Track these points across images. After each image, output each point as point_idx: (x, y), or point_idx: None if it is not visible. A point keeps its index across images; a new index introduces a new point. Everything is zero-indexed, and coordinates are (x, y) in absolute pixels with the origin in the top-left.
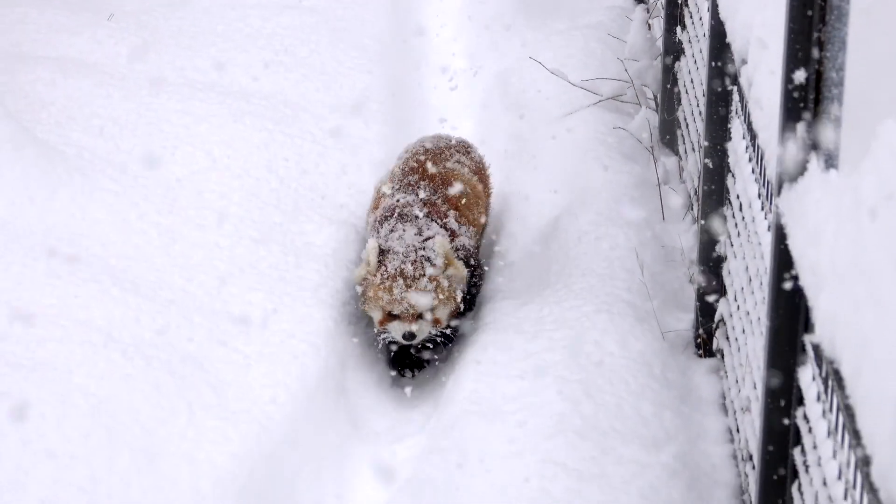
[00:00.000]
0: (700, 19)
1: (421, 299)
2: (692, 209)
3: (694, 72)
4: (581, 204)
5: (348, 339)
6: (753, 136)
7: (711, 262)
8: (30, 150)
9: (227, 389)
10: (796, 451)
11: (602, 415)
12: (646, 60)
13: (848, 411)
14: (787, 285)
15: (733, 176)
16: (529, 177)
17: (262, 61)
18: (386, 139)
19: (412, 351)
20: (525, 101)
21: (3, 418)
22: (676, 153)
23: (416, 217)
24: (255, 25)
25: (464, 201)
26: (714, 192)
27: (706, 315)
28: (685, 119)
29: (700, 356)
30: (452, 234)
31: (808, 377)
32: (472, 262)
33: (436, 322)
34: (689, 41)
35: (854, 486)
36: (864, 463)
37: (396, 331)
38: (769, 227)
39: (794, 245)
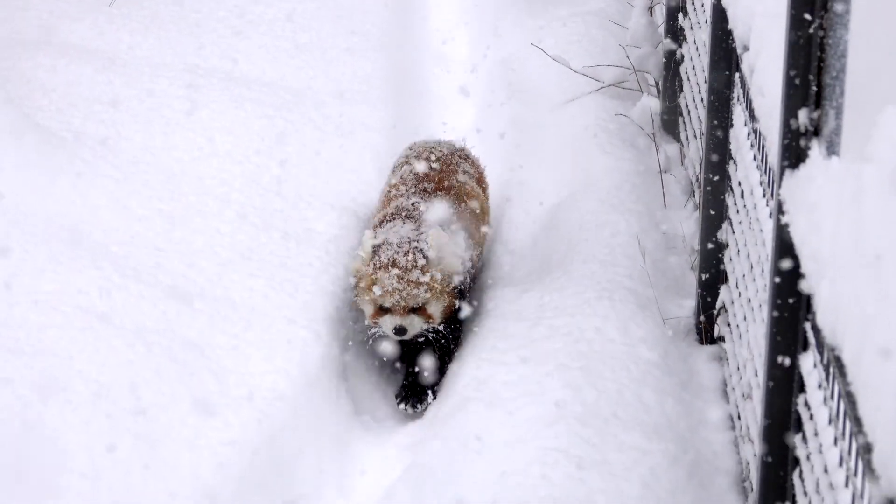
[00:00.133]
0: (702, 5)
1: (413, 291)
2: (694, 196)
3: (696, 58)
4: (582, 191)
5: (349, 326)
6: (755, 123)
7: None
8: (31, 137)
9: (228, 376)
10: (797, 439)
11: (603, 402)
12: (647, 47)
13: (849, 398)
14: (788, 272)
15: (735, 163)
16: (531, 163)
17: (263, 47)
18: (387, 125)
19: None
20: (527, 87)
21: (4, 404)
22: (678, 140)
23: (422, 219)
24: (256, 11)
25: (473, 217)
26: (715, 178)
27: (707, 302)
28: (687, 106)
29: (701, 343)
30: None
31: (809, 364)
32: (468, 281)
33: (428, 318)
34: (691, 28)
35: (855, 474)
36: (866, 450)
37: (387, 324)
38: (770, 213)
39: (796, 232)
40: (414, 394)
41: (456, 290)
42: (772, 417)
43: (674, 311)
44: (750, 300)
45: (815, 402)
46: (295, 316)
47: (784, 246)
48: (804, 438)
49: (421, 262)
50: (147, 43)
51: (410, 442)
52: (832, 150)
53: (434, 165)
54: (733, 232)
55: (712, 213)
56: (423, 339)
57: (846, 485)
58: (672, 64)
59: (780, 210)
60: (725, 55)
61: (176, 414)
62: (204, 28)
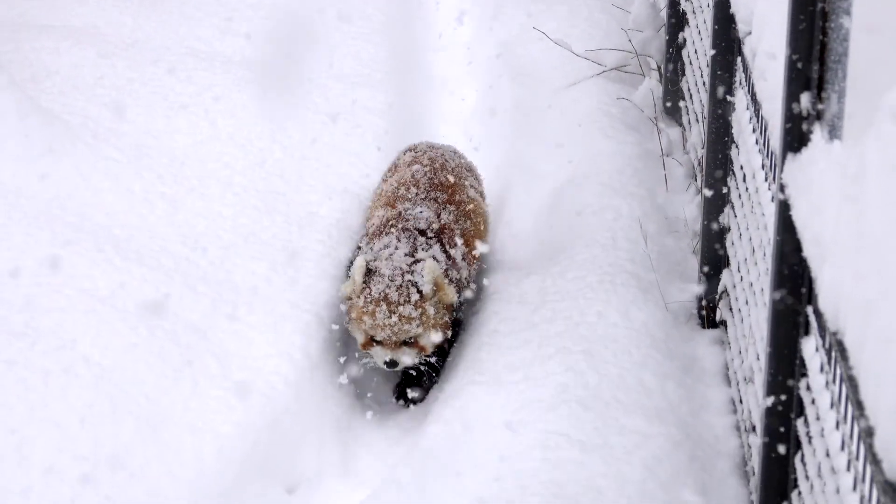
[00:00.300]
0: None
1: (405, 326)
2: (695, 180)
3: (698, 42)
4: (584, 174)
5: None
6: (757, 107)
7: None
8: (34, 120)
9: (230, 359)
10: (799, 422)
11: (605, 385)
12: (650, 31)
13: (851, 382)
14: (790, 256)
15: (737, 146)
16: (533, 147)
17: (265, 31)
18: (390, 109)
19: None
20: (529, 71)
21: (7, 387)
22: (680, 124)
23: (419, 235)
24: None
25: (476, 239)
26: (717, 162)
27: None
28: (689, 89)
29: (703, 327)
30: (453, 263)
31: (811, 348)
32: (461, 295)
33: (420, 350)
34: (693, 11)
35: (857, 458)
36: (867, 434)
37: (378, 357)
38: (773, 197)
39: (798, 216)
40: (409, 385)
41: (449, 322)
42: (773, 401)
43: (675, 294)
44: (752, 284)
45: (817, 385)
46: (298, 299)
47: (786, 230)
48: (806, 422)
49: (414, 297)
50: (150, 26)
51: (412, 425)
52: (834, 134)
53: (450, 177)
54: (735, 216)
55: (714, 196)
56: (414, 370)
57: (848, 469)
58: (674, 47)
59: (782, 194)
60: (727, 39)
61: (178, 397)
62: (206, 11)
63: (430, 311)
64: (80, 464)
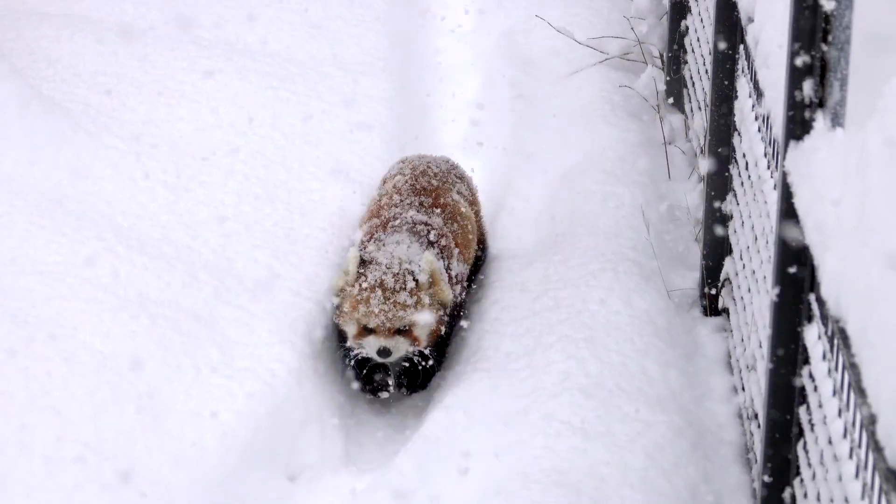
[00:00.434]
0: None
1: (400, 313)
2: (698, 168)
3: (700, 30)
4: (587, 162)
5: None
6: (760, 95)
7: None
8: (35, 108)
9: (232, 347)
10: (802, 410)
11: (607, 373)
12: (652, 19)
13: (854, 370)
14: (793, 244)
15: (739, 134)
16: (535, 135)
17: (267, 19)
18: (392, 97)
19: (387, 377)
20: (531, 59)
21: (8, 376)
22: (682, 112)
23: (430, 241)
24: None
25: (462, 241)
26: (720, 150)
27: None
28: (691, 77)
29: (705, 315)
30: (450, 280)
31: (813, 336)
32: (461, 298)
33: (414, 340)
34: None
35: (859, 445)
36: (870, 421)
37: (371, 346)
38: (775, 185)
39: (801, 203)
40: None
41: (444, 317)
42: (776, 389)
43: (678, 282)
44: (754, 272)
45: (820, 373)
46: (300, 287)
47: (788, 217)
48: (808, 410)
49: (411, 284)
50: (151, 14)
51: (414, 413)
52: (837, 121)
53: (433, 182)
54: (738, 203)
55: (717, 184)
56: (407, 362)
57: (850, 456)
58: (676, 35)
59: (784, 181)
60: (730, 27)
61: (180, 385)
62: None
63: (426, 299)
64: (81, 452)
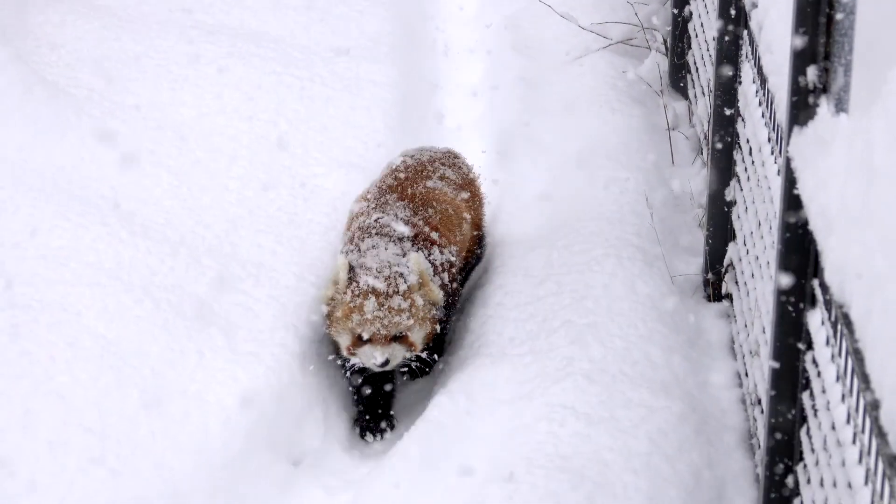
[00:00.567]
0: None
1: (395, 319)
2: (701, 153)
3: (704, 15)
4: (591, 148)
5: None
6: (764, 80)
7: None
8: (39, 93)
9: (235, 332)
10: (805, 396)
11: (610, 359)
12: (655, 4)
13: (857, 355)
14: (796, 229)
15: (743, 120)
16: (538, 120)
17: (271, 3)
18: (395, 82)
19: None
20: (534, 44)
21: (12, 359)
22: (686, 97)
23: (400, 238)
24: None
25: (444, 222)
26: (723, 136)
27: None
28: (695, 63)
29: (709, 300)
30: (435, 269)
31: (817, 321)
32: (455, 285)
33: (410, 346)
34: None
35: (863, 431)
36: (873, 407)
37: (367, 356)
38: (779, 171)
39: (804, 189)
40: (375, 422)
41: (437, 317)
42: (779, 375)
43: (681, 268)
44: (758, 257)
45: (823, 359)
46: (303, 272)
47: (792, 203)
48: (812, 395)
49: (403, 287)
50: None
51: (418, 398)
52: (841, 107)
53: (400, 175)
54: (741, 189)
55: (720, 170)
56: (405, 368)
57: (853, 442)
58: (680, 21)
59: (788, 167)
60: (734, 12)
61: (184, 369)
62: None
63: (419, 302)
64: (85, 436)
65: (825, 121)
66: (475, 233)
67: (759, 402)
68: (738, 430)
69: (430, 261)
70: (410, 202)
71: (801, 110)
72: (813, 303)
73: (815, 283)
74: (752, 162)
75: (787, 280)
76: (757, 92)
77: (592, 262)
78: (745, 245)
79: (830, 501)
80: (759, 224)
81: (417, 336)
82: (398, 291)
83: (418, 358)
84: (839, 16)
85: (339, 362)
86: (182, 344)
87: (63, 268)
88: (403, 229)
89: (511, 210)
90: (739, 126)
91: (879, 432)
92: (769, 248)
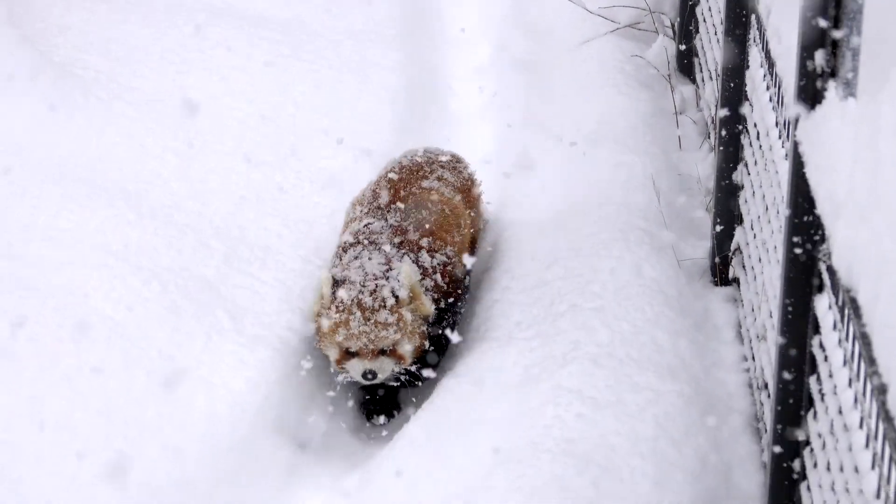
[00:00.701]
0: None
1: (382, 333)
2: (709, 137)
3: None
4: (598, 132)
5: None
6: (771, 64)
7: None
8: (46, 75)
9: (242, 315)
10: (812, 380)
11: (617, 342)
12: None
13: (864, 339)
14: (804, 214)
15: (751, 104)
16: (546, 104)
17: None
18: (403, 66)
19: (379, 392)
20: (542, 28)
21: (20, 342)
22: (693, 81)
23: (385, 248)
24: None
25: (439, 222)
26: (731, 120)
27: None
28: (702, 47)
29: (716, 284)
30: (424, 273)
31: (824, 305)
32: (458, 289)
33: (399, 359)
34: None
35: (870, 415)
36: (880, 391)
37: (355, 370)
38: (786, 155)
39: (811, 173)
40: (384, 408)
41: (427, 331)
42: (786, 358)
43: (688, 252)
44: (765, 241)
45: (830, 343)
46: (309, 255)
47: (799, 187)
48: (819, 379)
49: (390, 301)
50: None
51: (425, 383)
52: (849, 91)
53: (392, 176)
54: (748, 173)
55: (728, 154)
56: (396, 382)
57: (860, 426)
58: (688, 5)
59: (795, 151)
60: None
61: (191, 352)
62: None
63: (408, 316)
64: (92, 419)
65: (833, 105)
66: (471, 234)
67: (766, 386)
68: (744, 414)
69: (419, 264)
70: (403, 204)
71: (810, 95)
72: (820, 287)
73: (823, 266)
74: (760, 146)
75: (793, 264)
76: (765, 75)
77: (599, 246)
78: (752, 229)
79: (837, 485)
80: (767, 208)
81: (406, 349)
82: (385, 306)
83: (408, 371)
84: (848, 0)
85: (331, 370)
86: (189, 326)
87: (70, 250)
88: (392, 237)
89: (518, 194)
90: (747, 110)
91: (886, 416)
92: (776, 232)
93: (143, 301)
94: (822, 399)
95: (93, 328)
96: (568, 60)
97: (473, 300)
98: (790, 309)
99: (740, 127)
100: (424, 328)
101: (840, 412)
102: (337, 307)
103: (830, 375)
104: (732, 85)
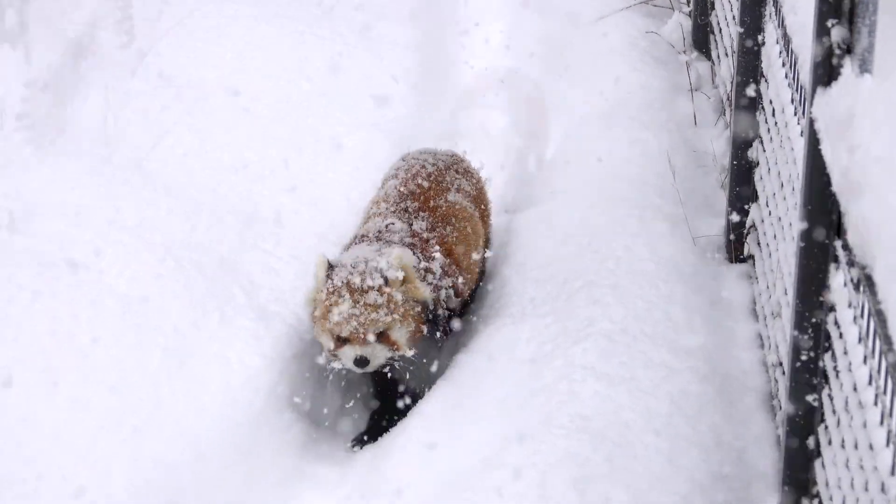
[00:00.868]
0: None
1: (372, 315)
2: (724, 114)
3: None
4: (613, 109)
5: None
6: (787, 41)
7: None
8: (62, 50)
9: (257, 291)
10: (827, 357)
11: (631, 319)
12: None
13: (879, 317)
14: (819, 191)
15: (766, 81)
16: (560, 81)
17: None
18: (417, 43)
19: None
20: (557, 4)
21: (35, 318)
22: (709, 58)
23: (395, 243)
24: None
25: (460, 245)
26: (746, 96)
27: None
28: (718, 23)
29: (731, 261)
30: (427, 270)
31: (839, 282)
32: (451, 306)
33: (392, 345)
34: None
35: (884, 392)
36: (895, 368)
37: (347, 356)
38: (802, 132)
39: (827, 150)
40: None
41: (423, 316)
42: (800, 336)
43: (703, 229)
44: (780, 218)
45: (845, 320)
46: (325, 231)
47: (815, 164)
48: (833, 357)
49: (378, 281)
50: None
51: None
52: (865, 67)
53: (422, 182)
54: (764, 150)
55: (743, 131)
56: (388, 370)
57: (875, 403)
58: None
59: (811, 128)
60: None
61: (205, 328)
62: None
63: (398, 297)
64: (107, 394)
65: (849, 82)
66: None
67: (781, 363)
68: (759, 392)
69: (429, 268)
70: (432, 215)
71: (825, 71)
72: (836, 264)
73: (838, 243)
74: (776, 123)
75: (809, 241)
76: (780, 52)
77: (614, 223)
78: (767, 206)
79: (851, 462)
80: (782, 185)
81: (399, 334)
82: (373, 286)
83: (403, 358)
84: None
85: (321, 361)
86: (204, 303)
87: (85, 226)
88: (406, 238)
89: (532, 171)
90: (763, 87)
91: None
92: (791, 209)
93: (157, 277)
94: (837, 376)
95: (108, 304)
96: (583, 36)
97: (488, 275)
98: (805, 286)
99: (756, 103)
100: (419, 312)
101: (855, 389)
102: (327, 290)
103: (845, 352)
104: (748, 61)
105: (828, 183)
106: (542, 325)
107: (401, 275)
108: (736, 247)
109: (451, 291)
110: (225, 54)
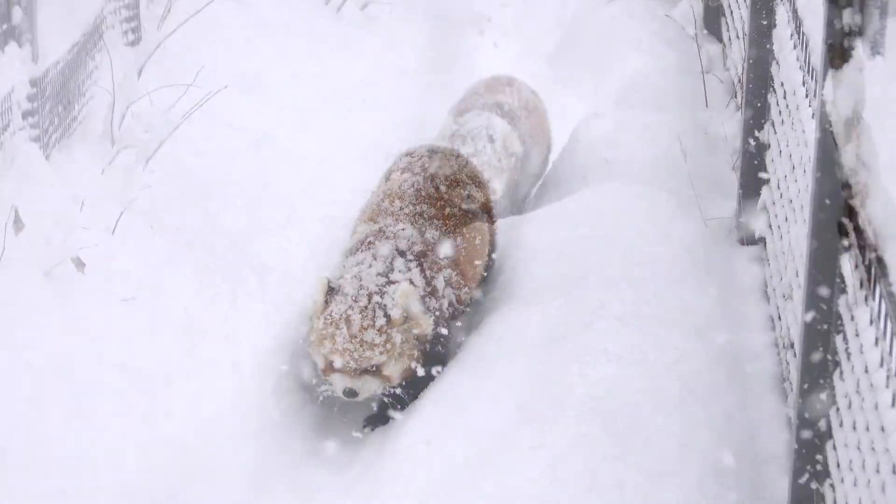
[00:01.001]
0: None
1: (366, 353)
2: (736, 96)
3: None
4: (624, 90)
5: None
6: (798, 23)
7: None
8: (67, 49)
9: (269, 274)
10: (838, 339)
11: (643, 301)
12: None
13: (891, 299)
14: (831, 172)
15: (777, 63)
16: (571, 63)
17: None
18: (430, 26)
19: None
20: None
21: (46, 301)
22: (721, 40)
23: (397, 255)
24: None
25: (468, 261)
26: (758, 79)
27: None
28: (730, 6)
29: (742, 244)
30: (433, 292)
31: (850, 265)
32: (446, 325)
33: (384, 379)
34: None
35: None
36: None
37: (337, 385)
38: (813, 114)
39: (838, 132)
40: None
41: (418, 353)
42: (812, 318)
43: (715, 211)
44: (791, 201)
45: (857, 302)
46: (336, 214)
47: (826, 146)
48: (845, 339)
49: (380, 321)
50: None
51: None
52: (876, 49)
53: (441, 187)
54: (775, 132)
55: (754, 113)
56: (375, 403)
57: (886, 385)
58: None
59: (822, 110)
60: None
61: (217, 311)
62: None
63: (397, 338)
64: (118, 376)
65: (861, 63)
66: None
67: (792, 345)
68: (770, 374)
69: (432, 285)
70: (445, 224)
71: (837, 53)
72: (847, 246)
73: (850, 226)
74: (787, 105)
75: (820, 223)
76: (791, 35)
77: (625, 205)
78: (778, 188)
79: (863, 444)
80: (793, 167)
81: (393, 370)
82: (373, 325)
83: (392, 394)
84: None
85: (313, 380)
86: (216, 286)
87: (95, 209)
88: (413, 247)
89: (548, 152)
90: (774, 69)
91: None
92: (803, 191)
93: (168, 259)
94: (849, 358)
95: (118, 287)
96: (594, 19)
97: (499, 257)
98: (816, 268)
99: (767, 85)
100: (415, 350)
101: (866, 371)
102: (325, 319)
103: (857, 335)
104: (759, 44)
105: (839, 165)
106: (553, 308)
107: (403, 314)
108: (747, 229)
109: (454, 297)
110: (233, 37)
